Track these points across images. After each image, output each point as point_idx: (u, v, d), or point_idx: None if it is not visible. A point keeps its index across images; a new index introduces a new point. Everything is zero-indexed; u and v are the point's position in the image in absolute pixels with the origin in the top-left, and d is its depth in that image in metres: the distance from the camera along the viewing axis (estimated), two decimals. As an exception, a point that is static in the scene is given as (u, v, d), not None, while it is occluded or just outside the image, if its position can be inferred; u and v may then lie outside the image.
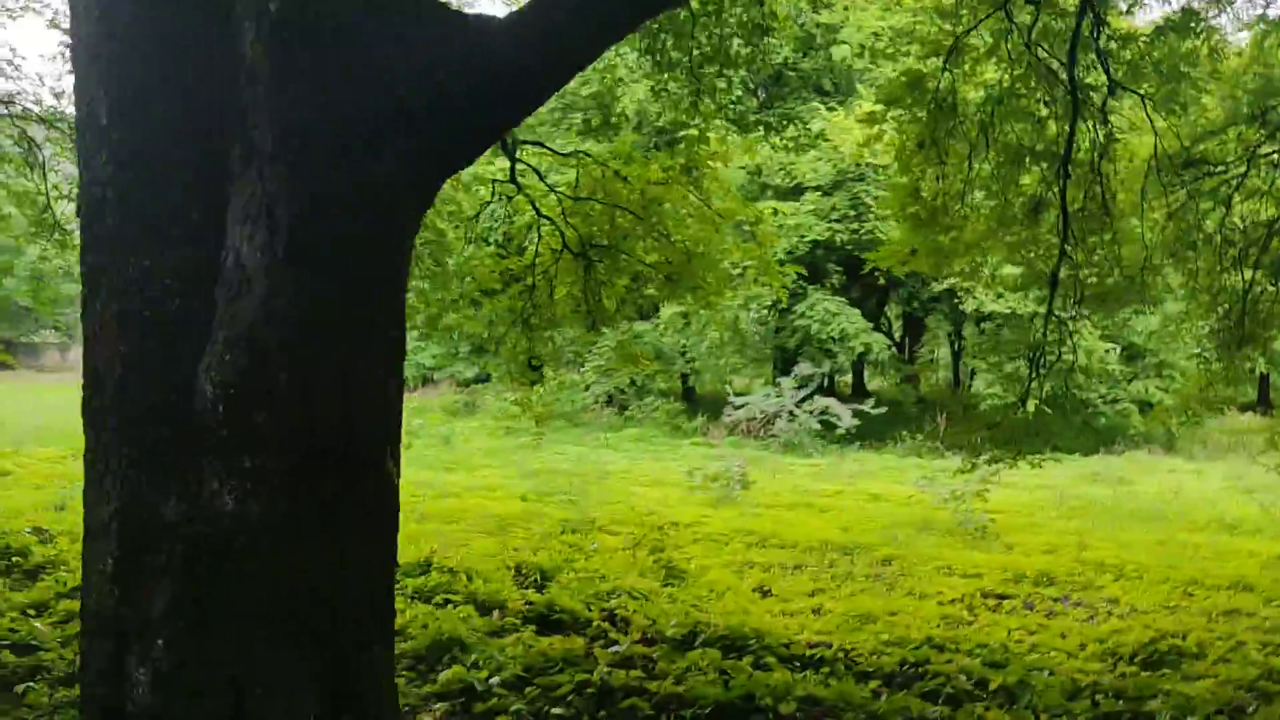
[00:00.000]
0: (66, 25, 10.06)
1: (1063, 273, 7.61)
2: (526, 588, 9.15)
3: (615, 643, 7.20)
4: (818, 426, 20.80)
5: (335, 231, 2.66)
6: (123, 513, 2.63)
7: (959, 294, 22.36)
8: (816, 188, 22.57)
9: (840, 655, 7.09)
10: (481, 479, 16.10)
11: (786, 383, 21.62)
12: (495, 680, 6.22)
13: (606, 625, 7.85)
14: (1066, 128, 8.33)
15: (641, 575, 9.58)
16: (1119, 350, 23.01)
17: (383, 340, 2.75)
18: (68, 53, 9.98)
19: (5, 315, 10.83)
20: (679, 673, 6.24)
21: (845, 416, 20.93)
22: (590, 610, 8.21)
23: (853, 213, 22.29)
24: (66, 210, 10.80)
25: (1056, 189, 8.09)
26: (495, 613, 8.24)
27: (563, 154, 9.16)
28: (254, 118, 2.66)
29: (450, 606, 8.13)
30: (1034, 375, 7.17)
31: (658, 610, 8.37)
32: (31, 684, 5.95)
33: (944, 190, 8.61)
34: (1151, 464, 20.40)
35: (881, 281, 24.33)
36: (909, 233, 8.94)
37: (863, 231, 22.24)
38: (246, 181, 2.68)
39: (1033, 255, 7.71)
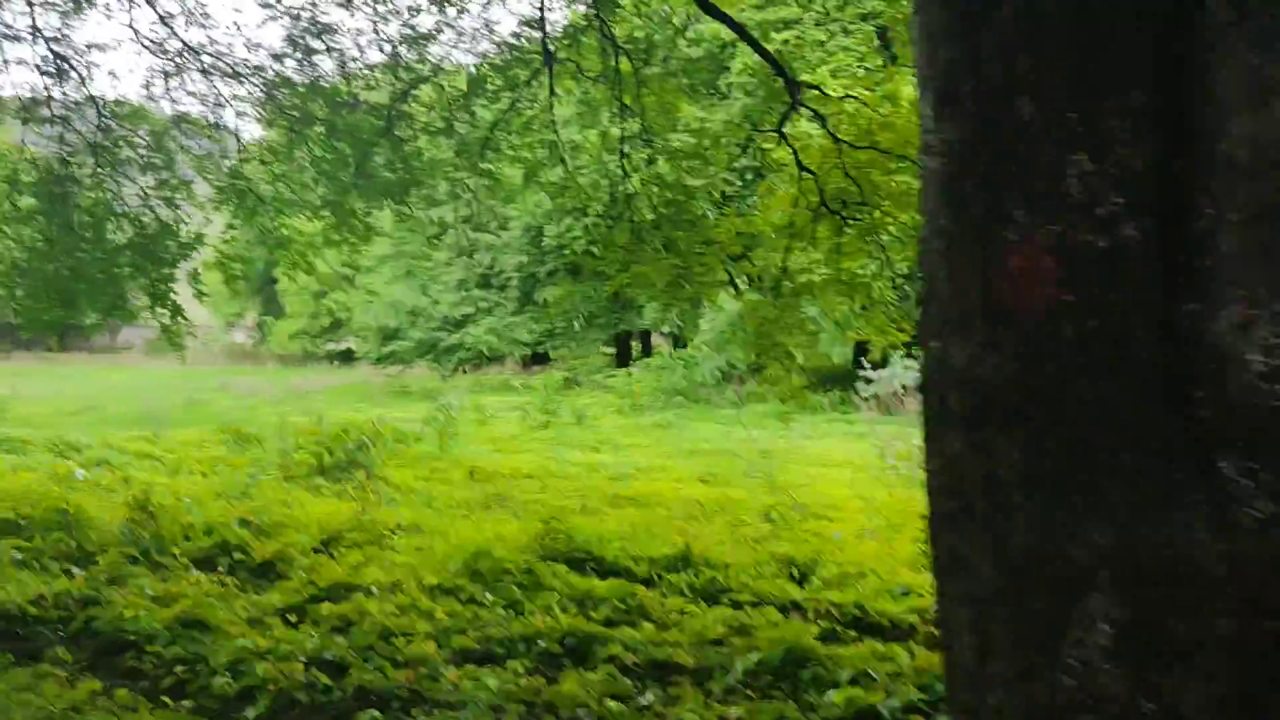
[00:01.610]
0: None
1: None
2: (791, 581, 8.27)
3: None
4: (963, 400, 19.63)
5: None
6: (1122, 554, 1.67)
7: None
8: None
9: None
10: (639, 459, 15.20)
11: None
12: (896, 703, 5.32)
13: (937, 631, 6.92)
14: None
15: (916, 570, 8.60)
16: None
17: None
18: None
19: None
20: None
21: (992, 390, 19.77)
22: (896, 609, 7.30)
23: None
24: (256, 174, 9.94)
25: None
26: (794, 614, 7.36)
27: (839, 96, 8.14)
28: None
29: (747, 608, 7.25)
30: None
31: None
32: (375, 712, 5.11)
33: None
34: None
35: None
36: None
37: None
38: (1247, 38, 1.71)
39: None
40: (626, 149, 8.60)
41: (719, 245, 8.91)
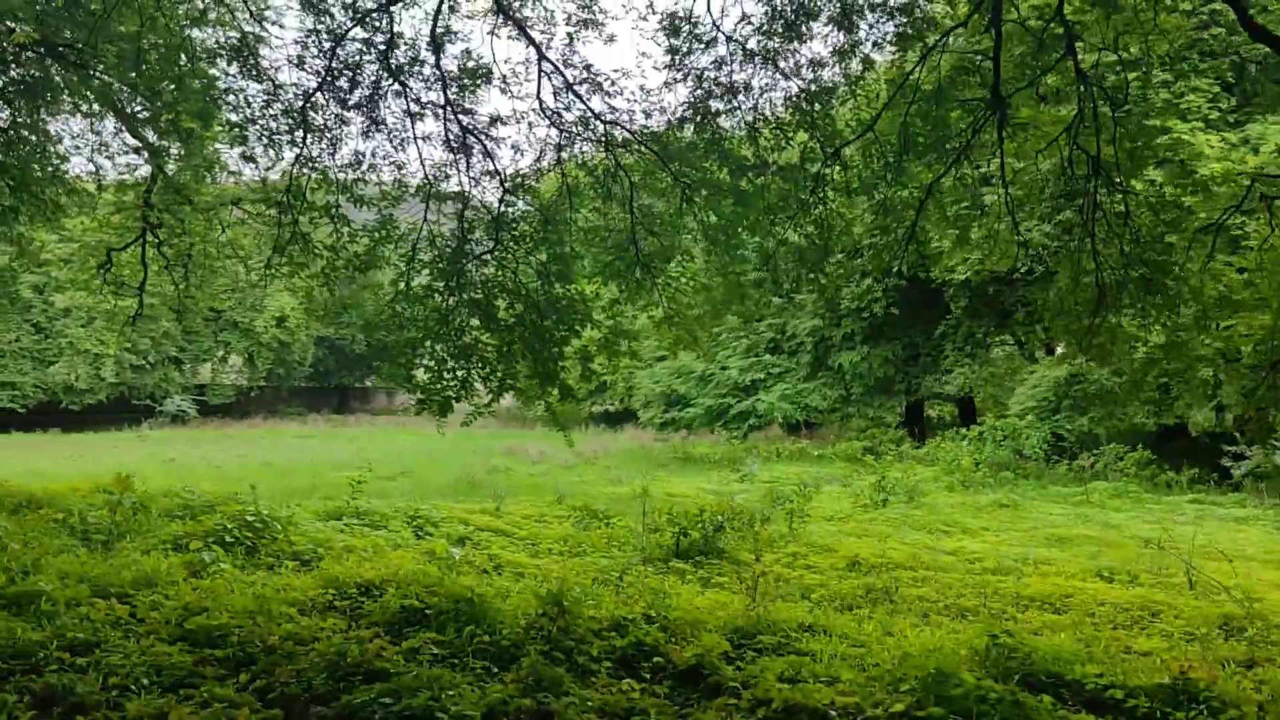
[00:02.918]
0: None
1: None
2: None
3: None
4: (1366, 482, 16.95)
5: None
6: None
7: None
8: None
9: None
10: (1006, 547, 13.64)
11: (1313, 427, 17.72)
12: None
13: None
14: None
15: None
16: None
17: None
18: (675, 60, 8.60)
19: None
20: None
21: (1403, 469, 16.93)
22: None
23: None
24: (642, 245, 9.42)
25: None
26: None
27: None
28: None
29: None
30: None
31: None
32: None
33: None
34: None
35: None
36: None
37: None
38: None
39: None
40: (1096, 199, 7.43)
41: (1202, 309, 7.54)
